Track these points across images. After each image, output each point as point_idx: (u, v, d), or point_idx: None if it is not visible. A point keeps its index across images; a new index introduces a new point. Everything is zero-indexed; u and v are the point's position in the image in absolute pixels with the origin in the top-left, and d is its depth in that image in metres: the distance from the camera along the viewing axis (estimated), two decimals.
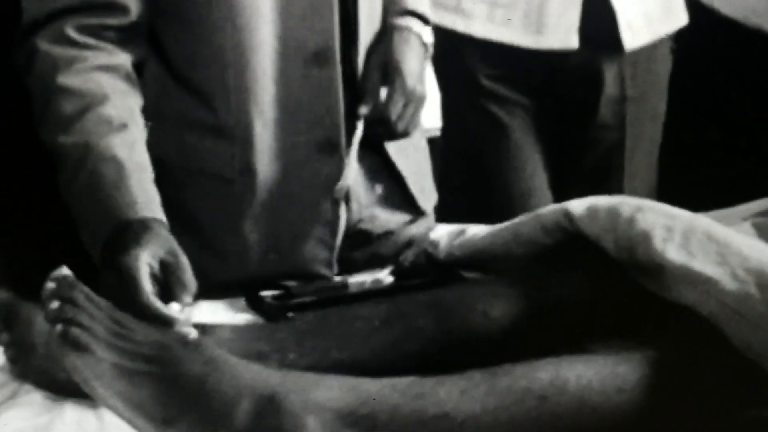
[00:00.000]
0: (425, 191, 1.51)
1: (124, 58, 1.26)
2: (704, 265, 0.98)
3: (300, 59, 1.30)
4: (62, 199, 1.30)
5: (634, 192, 1.77)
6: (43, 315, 0.87)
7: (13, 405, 1.06)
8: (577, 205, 1.15)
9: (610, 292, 1.10)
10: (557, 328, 1.08)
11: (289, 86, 1.32)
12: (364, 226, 1.49)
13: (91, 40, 1.24)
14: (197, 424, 0.85)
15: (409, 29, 1.40)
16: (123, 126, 1.21)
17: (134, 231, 1.09)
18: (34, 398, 1.07)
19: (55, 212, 1.59)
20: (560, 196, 1.68)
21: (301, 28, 1.30)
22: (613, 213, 1.09)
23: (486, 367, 0.95)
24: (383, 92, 1.37)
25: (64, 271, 0.89)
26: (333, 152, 1.34)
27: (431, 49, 1.44)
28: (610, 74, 1.78)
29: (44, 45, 1.23)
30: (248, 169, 1.32)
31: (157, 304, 1.01)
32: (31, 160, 1.60)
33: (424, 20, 1.43)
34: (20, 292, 1.12)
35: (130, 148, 1.21)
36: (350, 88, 1.35)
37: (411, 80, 1.36)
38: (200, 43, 1.30)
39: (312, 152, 1.34)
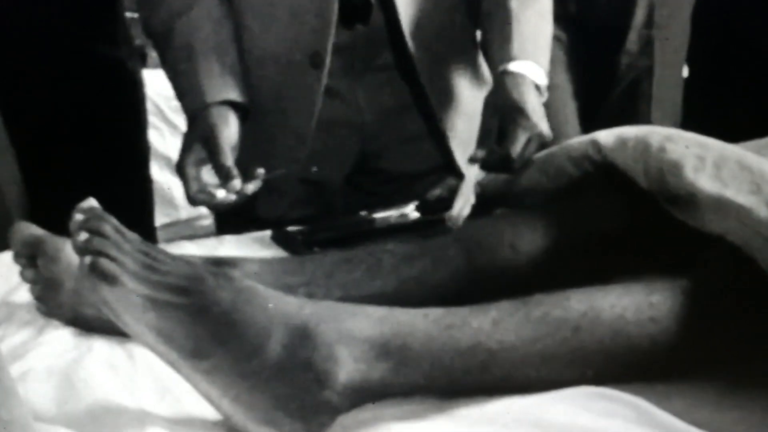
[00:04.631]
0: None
1: None
2: (737, 194, 0.96)
3: None
4: (86, 133, 1.36)
5: (662, 121, 1.76)
6: (72, 247, 0.85)
7: (41, 342, 1.05)
8: (606, 135, 1.13)
9: (640, 223, 1.08)
10: (587, 260, 1.07)
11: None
12: (383, 164, 1.48)
13: None
14: (229, 355, 0.83)
15: (522, 75, 1.35)
16: (188, 7, 1.35)
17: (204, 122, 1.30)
18: (62, 334, 1.07)
19: (80, 145, 1.60)
20: (588, 127, 1.67)
21: None
22: (642, 142, 1.07)
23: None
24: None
25: (92, 202, 0.87)
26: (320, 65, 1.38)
27: (546, 93, 1.39)
28: (642, 1, 1.80)
29: None
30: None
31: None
32: (56, 96, 1.61)
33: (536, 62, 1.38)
34: (45, 226, 1.12)
35: (195, 29, 1.35)
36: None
37: (535, 116, 1.30)
38: None
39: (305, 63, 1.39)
